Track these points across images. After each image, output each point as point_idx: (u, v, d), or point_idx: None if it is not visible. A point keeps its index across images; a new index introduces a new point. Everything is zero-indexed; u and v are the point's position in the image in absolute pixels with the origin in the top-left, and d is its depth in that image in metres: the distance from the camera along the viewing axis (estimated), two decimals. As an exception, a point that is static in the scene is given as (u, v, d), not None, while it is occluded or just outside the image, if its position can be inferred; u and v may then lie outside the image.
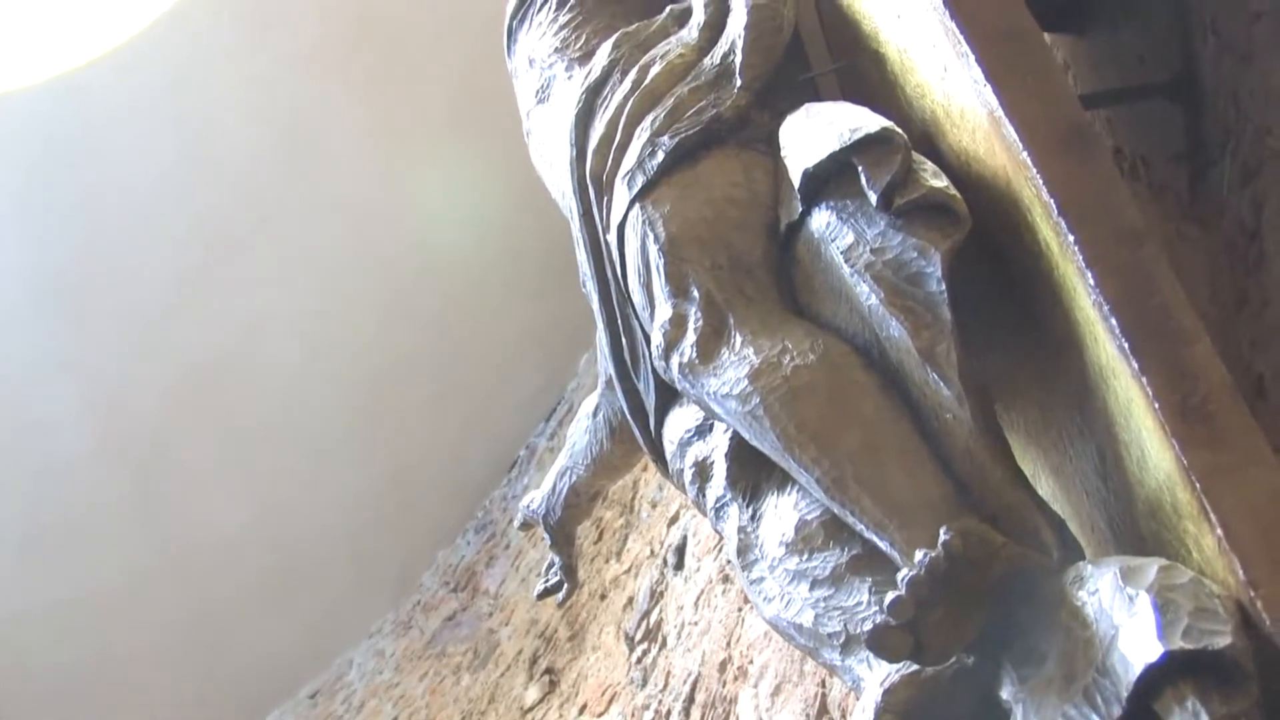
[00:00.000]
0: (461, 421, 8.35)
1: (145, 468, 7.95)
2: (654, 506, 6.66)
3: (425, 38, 7.52)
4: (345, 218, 7.82)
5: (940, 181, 2.61)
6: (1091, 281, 2.31)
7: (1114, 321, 2.28)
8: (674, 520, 6.35)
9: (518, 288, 8.04)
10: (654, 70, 3.22)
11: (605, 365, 3.53)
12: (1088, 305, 2.35)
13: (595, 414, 3.85)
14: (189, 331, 7.80)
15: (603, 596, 6.83)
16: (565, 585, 4.12)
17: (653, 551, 6.48)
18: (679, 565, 6.15)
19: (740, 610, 5.33)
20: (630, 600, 6.50)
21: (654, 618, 6.17)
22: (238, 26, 7.23)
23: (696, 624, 5.72)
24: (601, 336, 3.40)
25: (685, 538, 6.16)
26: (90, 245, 7.53)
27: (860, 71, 3.20)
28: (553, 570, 4.15)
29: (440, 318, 8.14)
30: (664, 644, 5.97)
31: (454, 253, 8.00)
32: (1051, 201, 2.39)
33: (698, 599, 5.79)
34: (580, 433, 3.92)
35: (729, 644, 5.36)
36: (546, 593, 4.17)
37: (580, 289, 3.49)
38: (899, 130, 2.68)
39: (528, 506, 4.15)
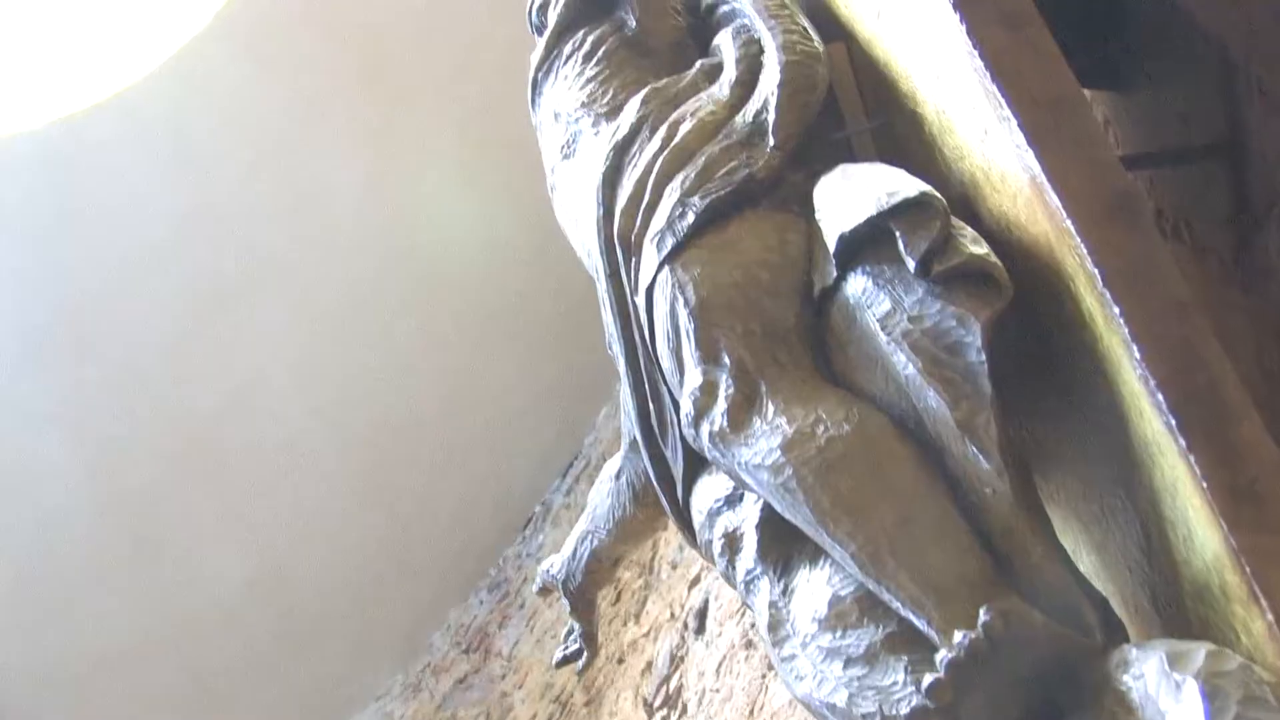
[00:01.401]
0: (474, 476, 8.37)
1: (142, 525, 7.97)
2: (674, 568, 6.67)
3: (434, 84, 7.57)
4: (350, 267, 7.86)
5: (981, 248, 2.65)
6: (1138, 355, 2.35)
7: (1161, 397, 2.31)
8: (695, 582, 6.36)
9: (533, 338, 8.08)
10: (684, 128, 3.26)
11: (630, 428, 3.55)
12: (1134, 379, 2.38)
13: (618, 477, 3.86)
14: (188, 385, 7.84)
15: (620, 660, 6.84)
16: (585, 653, 4.14)
17: (673, 614, 6.50)
18: (700, 629, 6.16)
19: (764, 677, 5.35)
20: (649, 665, 6.51)
21: (674, 683, 6.18)
22: (242, 74, 7.28)
23: (718, 691, 5.73)
24: (627, 400, 3.43)
25: (707, 601, 6.17)
26: (88, 295, 7.57)
27: (896, 130, 3.23)
28: (572, 637, 4.17)
29: (451, 369, 8.18)
30: (684, 711, 5.98)
31: (466, 302, 8.04)
32: (1096, 272, 2.42)
33: (720, 665, 5.80)
34: (602, 496, 3.94)
35: (752, 712, 5.37)
36: (565, 660, 4.19)
37: (599, 342, 3.53)
38: (938, 195, 2.71)
39: (547, 571, 4.17)
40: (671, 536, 6.54)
